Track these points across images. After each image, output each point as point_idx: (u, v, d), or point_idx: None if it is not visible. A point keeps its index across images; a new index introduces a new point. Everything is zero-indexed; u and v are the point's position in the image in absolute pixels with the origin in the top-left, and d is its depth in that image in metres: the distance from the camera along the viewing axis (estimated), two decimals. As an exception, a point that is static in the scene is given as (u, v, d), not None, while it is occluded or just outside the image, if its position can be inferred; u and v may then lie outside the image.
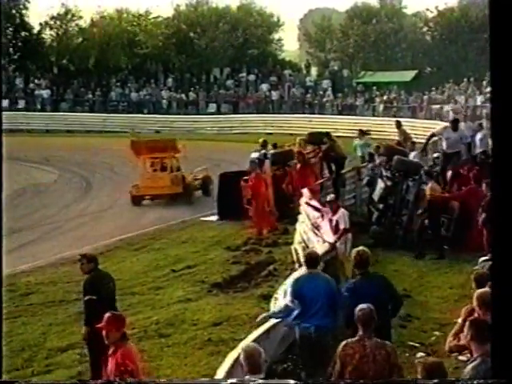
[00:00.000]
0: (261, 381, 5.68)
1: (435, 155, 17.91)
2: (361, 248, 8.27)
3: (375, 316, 6.35)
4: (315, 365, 8.03)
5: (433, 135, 17.48)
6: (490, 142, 16.32)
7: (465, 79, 39.60)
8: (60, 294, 12.94)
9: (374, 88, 41.59)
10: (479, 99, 36.17)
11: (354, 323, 6.65)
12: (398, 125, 21.25)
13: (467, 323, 5.90)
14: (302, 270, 9.50)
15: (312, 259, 8.49)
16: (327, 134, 19.99)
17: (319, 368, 7.79)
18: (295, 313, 8.31)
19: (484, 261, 8.40)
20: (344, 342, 6.34)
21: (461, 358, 6.66)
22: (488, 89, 37.66)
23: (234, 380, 6.59)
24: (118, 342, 6.86)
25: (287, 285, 9.11)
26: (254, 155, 19.26)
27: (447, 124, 18.13)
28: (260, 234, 16.38)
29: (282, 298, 10.84)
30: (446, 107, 22.93)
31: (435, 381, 5.25)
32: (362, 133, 22.19)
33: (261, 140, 20.68)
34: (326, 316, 8.05)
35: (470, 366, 5.69)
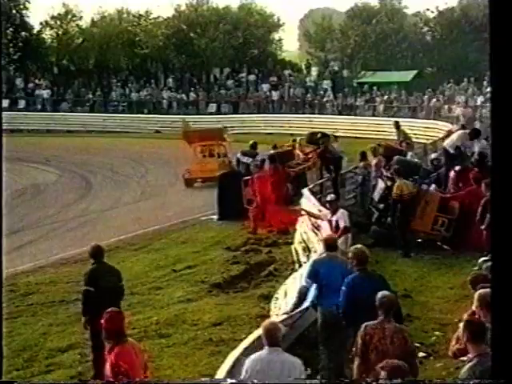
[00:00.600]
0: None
1: (433, 156, 17.91)
2: (359, 246, 8.57)
3: (397, 303, 7.06)
4: (337, 343, 8.55)
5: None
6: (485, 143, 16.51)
7: (465, 79, 39.61)
8: (60, 294, 12.94)
9: (374, 88, 41.60)
10: (479, 99, 36.19)
11: (350, 317, 7.63)
12: (397, 125, 21.24)
13: (463, 324, 5.97)
14: (320, 254, 9.90)
15: (330, 243, 9.03)
16: (323, 135, 20.14)
17: (341, 348, 8.46)
18: (312, 294, 8.99)
19: (484, 261, 8.41)
20: (365, 324, 6.74)
21: (462, 358, 6.69)
22: (488, 89, 37.72)
23: (233, 380, 6.61)
24: (114, 340, 6.85)
25: (307, 265, 9.46)
26: (242, 157, 19.38)
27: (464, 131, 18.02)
28: (254, 233, 16.43)
29: (282, 297, 10.87)
30: (457, 111, 22.85)
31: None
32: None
33: (251, 142, 20.79)
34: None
35: (466, 367, 5.75)
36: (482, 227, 12.22)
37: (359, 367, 6.63)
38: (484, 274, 7.36)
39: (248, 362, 6.52)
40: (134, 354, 6.91)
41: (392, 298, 6.89)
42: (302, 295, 9.42)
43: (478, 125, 24.78)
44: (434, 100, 35.07)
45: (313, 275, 8.90)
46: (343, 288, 7.99)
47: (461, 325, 6.26)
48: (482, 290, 6.45)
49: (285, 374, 6.36)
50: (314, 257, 9.47)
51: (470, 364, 5.74)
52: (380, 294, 6.84)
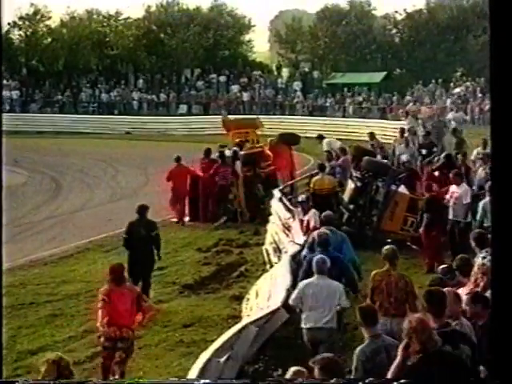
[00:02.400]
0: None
1: (404, 158, 18.06)
2: (322, 230, 10.05)
3: (398, 254, 8.63)
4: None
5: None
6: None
7: (433, 80, 40.01)
8: (30, 297, 12.85)
9: (344, 89, 41.83)
10: (449, 101, 36.60)
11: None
12: (372, 137, 21.01)
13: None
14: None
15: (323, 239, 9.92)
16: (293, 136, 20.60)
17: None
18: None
19: (442, 268, 8.38)
20: (375, 271, 8.52)
21: None
22: (456, 90, 38.16)
23: (206, 380, 6.63)
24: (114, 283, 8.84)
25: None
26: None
27: None
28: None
29: (253, 298, 10.91)
30: (449, 115, 23.17)
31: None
32: None
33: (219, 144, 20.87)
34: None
35: (358, 348, 6.27)
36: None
37: None
38: (440, 278, 7.59)
39: (301, 286, 8.64)
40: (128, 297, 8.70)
41: (393, 249, 8.55)
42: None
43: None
44: (411, 104, 35.21)
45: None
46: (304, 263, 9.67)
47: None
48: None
49: (330, 296, 8.45)
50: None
51: (362, 345, 6.24)
52: (383, 248, 8.62)
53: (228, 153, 19.07)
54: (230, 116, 35.06)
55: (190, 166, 19.21)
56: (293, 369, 5.55)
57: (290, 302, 8.76)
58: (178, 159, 18.71)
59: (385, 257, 8.47)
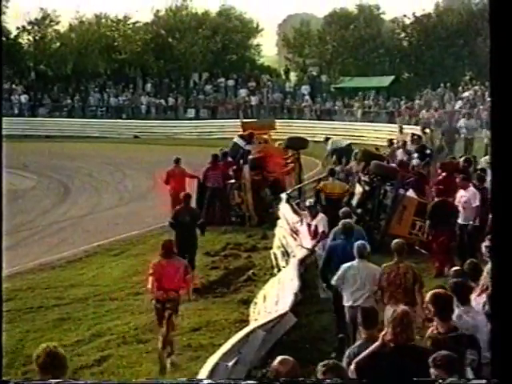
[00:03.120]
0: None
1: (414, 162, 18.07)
2: (346, 220, 10.69)
3: (406, 247, 9.36)
4: None
5: None
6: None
7: (441, 85, 39.94)
8: (38, 301, 12.87)
9: (352, 93, 41.82)
10: (458, 104, 36.49)
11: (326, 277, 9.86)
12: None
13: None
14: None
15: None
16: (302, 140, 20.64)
17: None
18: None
19: (455, 271, 8.38)
20: (384, 264, 9.21)
21: None
22: (464, 94, 38.05)
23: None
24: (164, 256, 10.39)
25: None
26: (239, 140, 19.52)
27: None
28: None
29: (261, 302, 10.90)
30: (460, 122, 22.97)
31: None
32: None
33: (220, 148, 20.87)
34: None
35: (349, 348, 6.38)
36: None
37: (381, 297, 8.99)
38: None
39: (343, 267, 9.34)
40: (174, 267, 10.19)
41: (402, 243, 9.30)
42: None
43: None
44: (424, 111, 34.81)
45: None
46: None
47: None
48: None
49: (369, 277, 9.20)
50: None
51: (354, 345, 6.36)
52: (393, 242, 9.37)
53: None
54: (232, 120, 35.53)
55: (195, 170, 19.25)
56: (279, 358, 5.34)
57: (333, 282, 9.57)
58: (177, 161, 18.72)
59: (394, 250, 9.15)
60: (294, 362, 5.29)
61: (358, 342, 6.46)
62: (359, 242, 9.55)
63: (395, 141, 22.47)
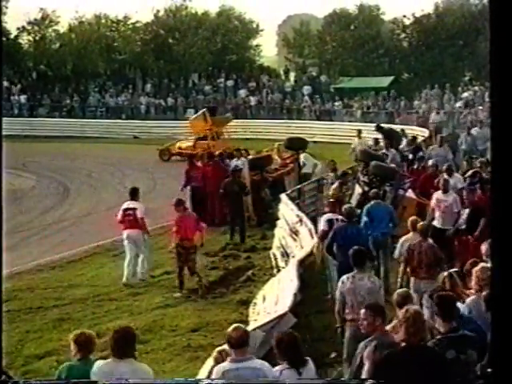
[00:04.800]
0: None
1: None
2: (347, 205, 12.19)
3: (430, 228, 10.93)
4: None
5: None
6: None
7: (441, 85, 39.96)
8: (37, 301, 12.86)
9: (352, 93, 41.84)
10: (458, 104, 36.47)
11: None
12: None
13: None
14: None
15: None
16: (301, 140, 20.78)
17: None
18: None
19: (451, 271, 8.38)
20: (408, 243, 10.24)
21: None
22: (464, 94, 38.07)
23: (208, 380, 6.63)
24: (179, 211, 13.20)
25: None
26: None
27: None
28: None
29: (260, 303, 10.90)
30: (473, 131, 22.74)
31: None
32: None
33: (217, 153, 20.82)
34: (386, 227, 12.31)
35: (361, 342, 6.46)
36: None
37: (404, 270, 10.00)
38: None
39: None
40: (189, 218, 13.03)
41: (427, 225, 10.79)
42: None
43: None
44: (433, 113, 34.35)
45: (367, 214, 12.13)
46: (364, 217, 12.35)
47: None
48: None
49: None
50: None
51: (366, 340, 6.41)
52: (419, 224, 10.47)
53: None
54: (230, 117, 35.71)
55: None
56: (233, 325, 6.16)
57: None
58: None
59: (419, 230, 10.25)
60: (244, 329, 6.33)
61: (372, 336, 6.40)
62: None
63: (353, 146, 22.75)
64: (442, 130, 27.64)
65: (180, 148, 30.76)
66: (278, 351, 6.22)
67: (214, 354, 6.51)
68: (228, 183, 16.79)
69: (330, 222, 11.99)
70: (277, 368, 6.18)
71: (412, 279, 9.90)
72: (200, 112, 33.18)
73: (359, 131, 24.74)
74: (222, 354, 6.36)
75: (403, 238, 10.81)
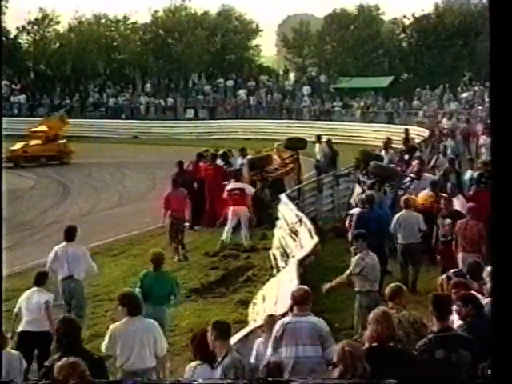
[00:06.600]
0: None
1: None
2: (368, 192, 13.04)
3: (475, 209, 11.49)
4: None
5: None
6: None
7: (440, 85, 40.01)
8: (37, 301, 12.83)
9: (351, 93, 41.87)
10: (453, 105, 36.46)
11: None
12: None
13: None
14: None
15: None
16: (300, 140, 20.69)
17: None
18: None
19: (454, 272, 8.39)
20: (459, 221, 11.25)
21: None
22: (463, 94, 38.11)
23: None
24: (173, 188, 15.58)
25: None
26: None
27: None
28: None
29: (260, 303, 10.90)
30: (481, 140, 22.40)
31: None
32: None
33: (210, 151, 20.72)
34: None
35: None
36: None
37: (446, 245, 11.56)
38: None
39: (396, 216, 12.37)
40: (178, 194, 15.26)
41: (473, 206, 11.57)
42: None
43: None
44: (445, 119, 33.73)
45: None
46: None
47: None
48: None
49: (413, 222, 12.30)
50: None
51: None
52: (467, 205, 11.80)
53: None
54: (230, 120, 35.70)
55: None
56: (298, 286, 6.87)
57: (391, 227, 12.13)
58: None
59: (466, 212, 11.45)
60: (306, 289, 7.08)
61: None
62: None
63: None
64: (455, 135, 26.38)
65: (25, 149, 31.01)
66: (192, 348, 6.57)
67: (266, 317, 7.70)
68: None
69: None
70: (191, 364, 6.49)
71: (459, 253, 11.01)
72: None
73: (319, 137, 24.16)
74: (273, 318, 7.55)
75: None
